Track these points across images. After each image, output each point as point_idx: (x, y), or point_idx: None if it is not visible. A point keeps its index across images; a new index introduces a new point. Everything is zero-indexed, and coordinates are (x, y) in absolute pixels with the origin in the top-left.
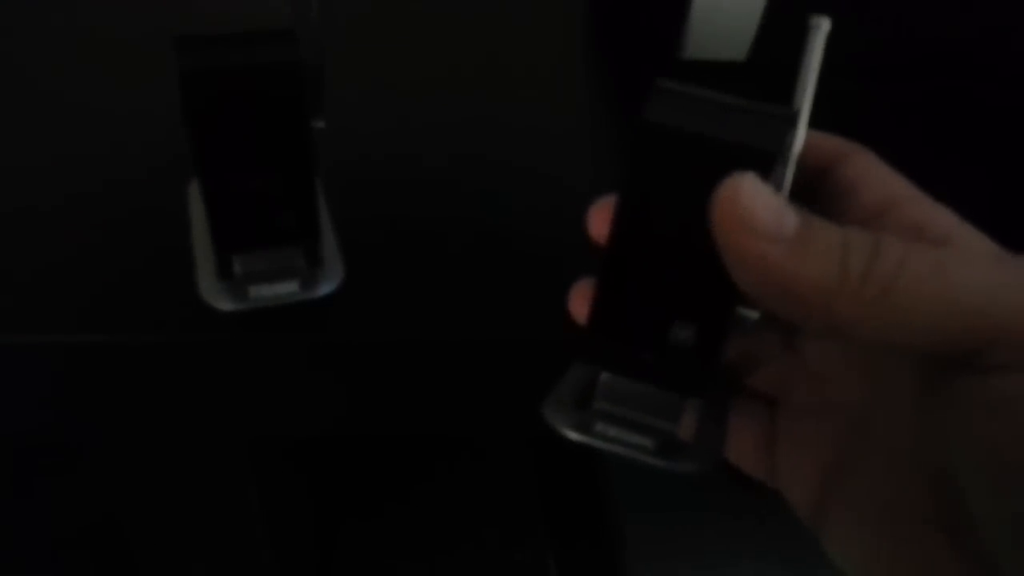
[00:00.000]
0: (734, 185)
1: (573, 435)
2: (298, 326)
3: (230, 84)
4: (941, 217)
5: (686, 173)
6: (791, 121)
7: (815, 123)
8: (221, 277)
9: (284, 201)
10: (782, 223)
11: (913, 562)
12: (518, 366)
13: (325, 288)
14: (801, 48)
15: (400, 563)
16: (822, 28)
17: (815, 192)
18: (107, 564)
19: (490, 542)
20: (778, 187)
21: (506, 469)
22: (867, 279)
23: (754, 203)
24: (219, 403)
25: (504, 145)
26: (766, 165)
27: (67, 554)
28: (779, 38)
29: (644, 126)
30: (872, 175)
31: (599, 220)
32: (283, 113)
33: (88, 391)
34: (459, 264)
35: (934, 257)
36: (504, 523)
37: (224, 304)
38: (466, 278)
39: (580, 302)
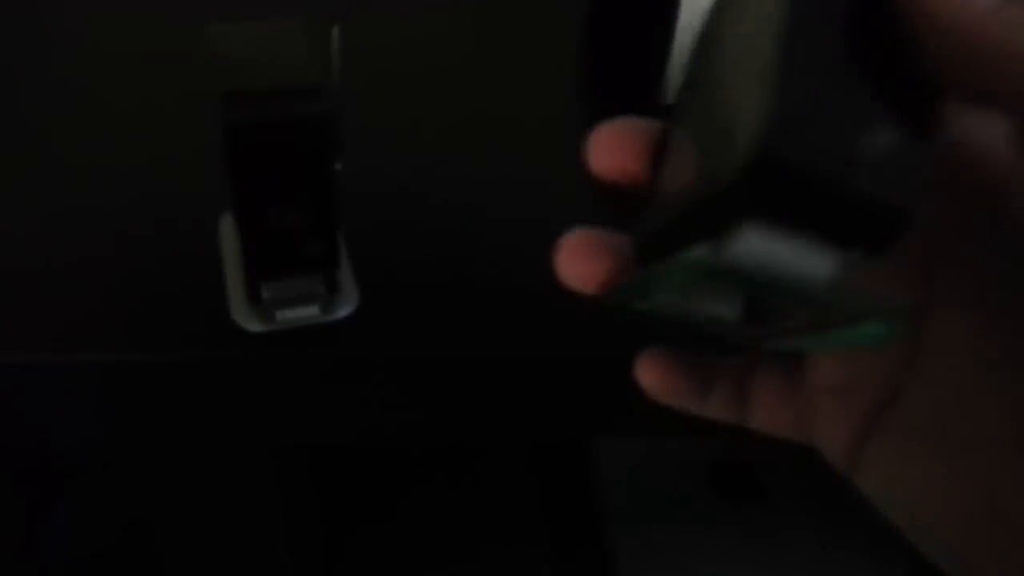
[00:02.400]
0: None
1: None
2: (318, 345)
3: (266, 135)
4: None
5: None
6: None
7: None
8: (251, 302)
9: (310, 234)
10: None
11: (976, 489)
12: (520, 381)
13: (342, 311)
14: None
15: (400, 572)
16: None
17: None
18: (137, 574)
19: (489, 552)
20: None
21: (506, 479)
22: None
23: None
24: (247, 415)
25: (508, 186)
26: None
27: (97, 566)
28: None
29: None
30: None
31: (602, 149)
32: (310, 158)
33: (126, 406)
34: (462, 290)
35: None
36: (503, 533)
37: (253, 326)
38: (468, 302)
39: (579, 256)
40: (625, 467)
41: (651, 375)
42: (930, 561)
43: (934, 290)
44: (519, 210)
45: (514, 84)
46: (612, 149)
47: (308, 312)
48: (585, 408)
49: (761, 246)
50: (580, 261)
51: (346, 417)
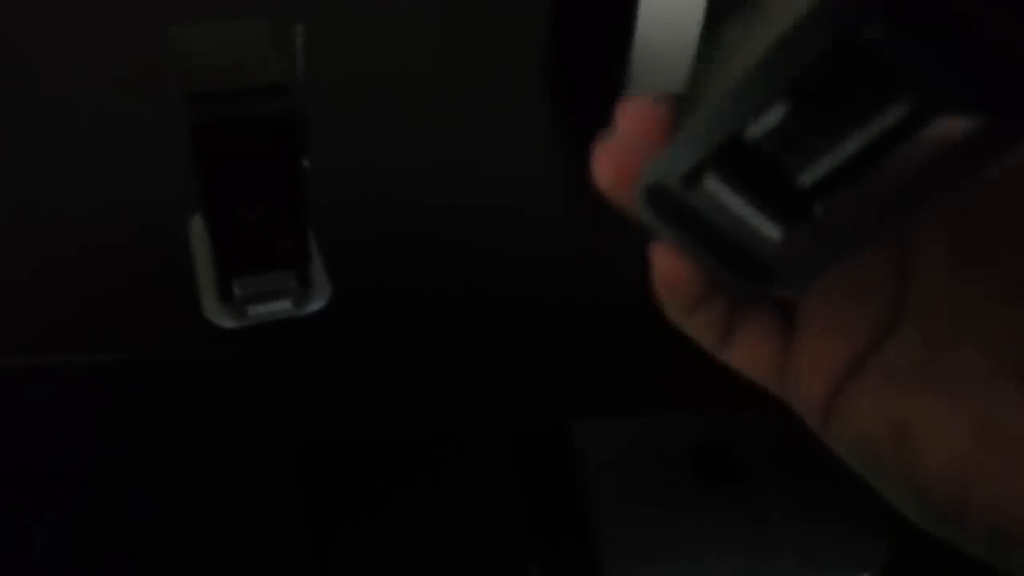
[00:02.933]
0: None
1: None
2: (292, 338)
3: (233, 133)
4: None
5: None
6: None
7: None
8: (223, 299)
9: (280, 231)
10: None
11: (971, 412)
12: (494, 368)
13: (315, 305)
14: None
15: (386, 567)
16: None
17: None
18: None
19: (473, 545)
20: None
21: (489, 471)
22: None
23: None
24: (224, 411)
25: (477, 180)
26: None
27: (85, 569)
28: None
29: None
30: None
31: (607, 164)
32: (277, 155)
33: (103, 408)
34: (433, 278)
35: None
36: (488, 525)
37: (226, 322)
38: (440, 292)
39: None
40: (607, 452)
41: (666, 259)
42: (909, 519)
43: (916, 240)
44: (487, 201)
45: (479, 80)
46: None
47: (280, 307)
48: (563, 392)
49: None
50: (614, 159)
51: (323, 410)
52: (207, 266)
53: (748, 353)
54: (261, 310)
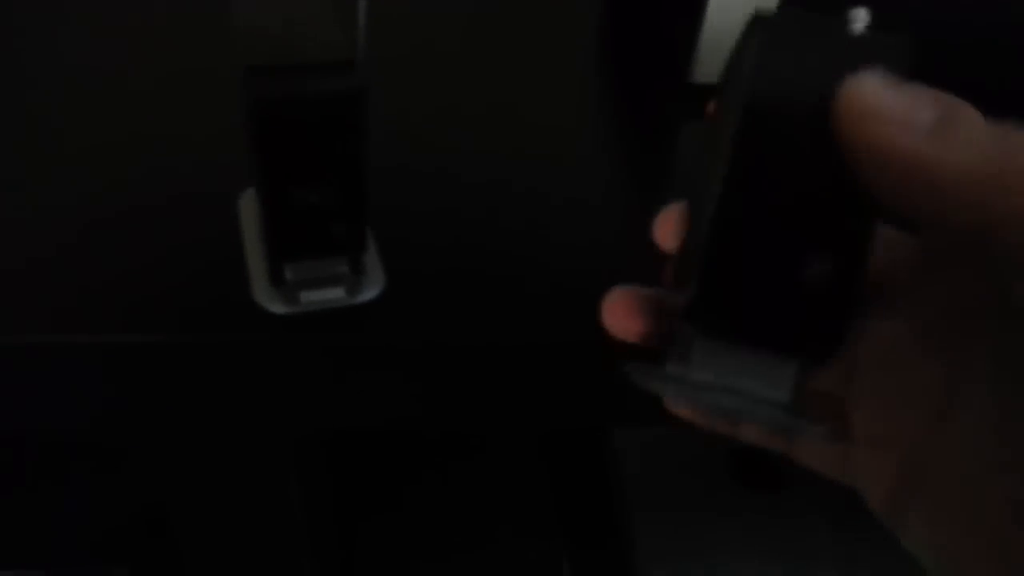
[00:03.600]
0: (856, 80)
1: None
2: (343, 328)
3: (295, 112)
4: None
5: (811, 77)
6: (910, 45)
7: None
8: (273, 283)
9: (336, 215)
10: (916, 109)
11: (1000, 563)
12: (538, 369)
13: (369, 294)
14: None
15: (414, 562)
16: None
17: None
18: (153, 552)
19: (503, 541)
20: None
21: (519, 468)
22: None
23: (880, 92)
24: (268, 398)
25: (531, 168)
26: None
27: (114, 545)
28: None
29: (754, 73)
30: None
31: (665, 228)
32: (340, 137)
33: (145, 388)
34: (489, 275)
35: None
36: (518, 522)
37: (276, 307)
38: (492, 288)
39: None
40: (643, 454)
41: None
42: None
43: (960, 362)
44: (549, 195)
45: (541, 65)
46: (624, 316)
47: (333, 294)
48: (609, 396)
49: (712, 359)
50: (621, 318)
51: (369, 402)
52: (257, 247)
53: (813, 454)
54: (313, 297)
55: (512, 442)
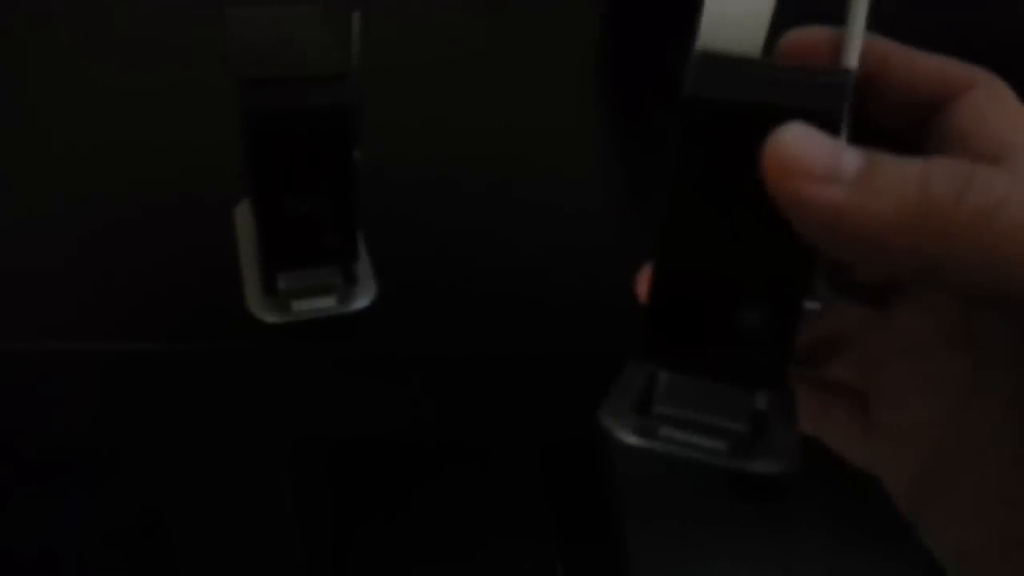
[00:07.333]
0: (780, 133)
1: (635, 441)
2: (335, 337)
3: (288, 123)
4: None
5: (739, 145)
6: (848, 81)
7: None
8: (266, 292)
9: (328, 225)
10: (839, 162)
11: (1021, 550)
12: (533, 377)
13: (360, 303)
14: (846, 6)
15: (408, 567)
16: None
17: (922, 138)
18: (148, 558)
19: (498, 547)
20: None
21: (514, 474)
22: (960, 205)
23: (803, 145)
24: (261, 406)
25: (525, 179)
26: (829, 127)
27: (109, 550)
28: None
29: (690, 100)
30: (991, 115)
31: (645, 283)
32: (331, 148)
33: (140, 395)
34: (478, 284)
35: None
36: (513, 528)
37: (269, 316)
38: (483, 298)
39: (647, 284)
40: (639, 463)
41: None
42: None
43: (983, 352)
44: (542, 205)
45: (533, 77)
46: None
47: (325, 303)
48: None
49: (675, 393)
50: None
51: (361, 410)
52: (251, 257)
53: (843, 443)
54: (305, 306)
55: (508, 449)
